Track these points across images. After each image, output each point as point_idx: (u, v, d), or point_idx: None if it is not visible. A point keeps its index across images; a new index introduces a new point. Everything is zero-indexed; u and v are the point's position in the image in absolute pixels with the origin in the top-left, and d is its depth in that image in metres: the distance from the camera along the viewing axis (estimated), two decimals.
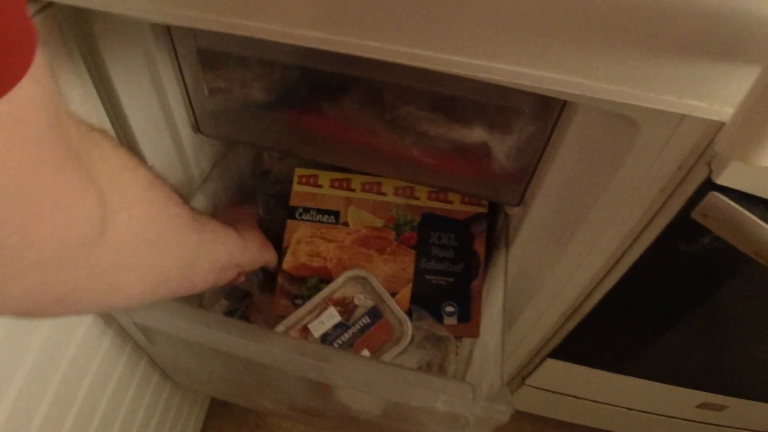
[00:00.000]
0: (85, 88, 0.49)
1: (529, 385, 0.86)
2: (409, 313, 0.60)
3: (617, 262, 0.56)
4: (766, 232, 0.46)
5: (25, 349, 0.46)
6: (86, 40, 0.49)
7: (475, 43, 0.32)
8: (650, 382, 0.80)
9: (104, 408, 0.60)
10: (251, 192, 0.73)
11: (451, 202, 0.63)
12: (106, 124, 0.53)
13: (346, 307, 0.57)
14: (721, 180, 0.44)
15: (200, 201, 0.63)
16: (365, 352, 0.55)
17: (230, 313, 0.68)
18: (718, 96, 0.33)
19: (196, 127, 0.60)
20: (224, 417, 1.07)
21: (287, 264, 0.62)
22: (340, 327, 0.56)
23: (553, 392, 0.87)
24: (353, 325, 0.56)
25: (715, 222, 0.47)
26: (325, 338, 0.55)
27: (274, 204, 0.72)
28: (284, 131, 0.59)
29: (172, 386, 0.78)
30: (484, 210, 0.63)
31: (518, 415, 1.09)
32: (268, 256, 0.57)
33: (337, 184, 0.64)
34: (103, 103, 0.52)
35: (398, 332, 0.56)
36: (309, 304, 0.56)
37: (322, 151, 0.58)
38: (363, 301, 0.57)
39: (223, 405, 1.07)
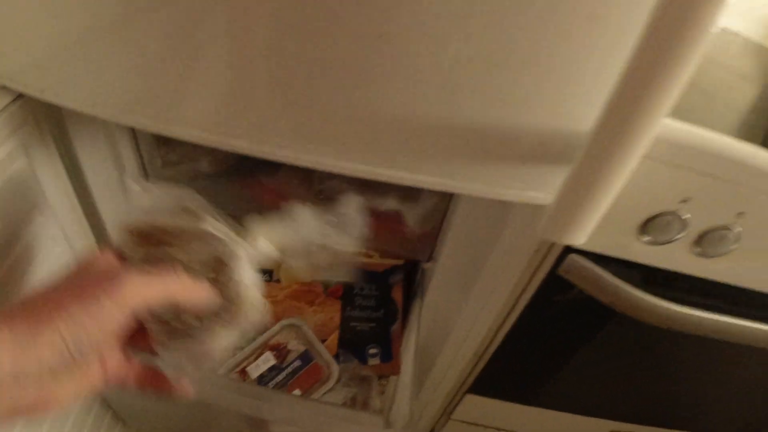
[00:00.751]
0: (54, 163, 0.57)
1: (455, 419, 0.95)
2: (337, 356, 0.68)
3: (511, 309, 0.67)
4: (617, 287, 0.57)
5: None
6: (57, 123, 0.57)
7: (359, 152, 0.42)
8: (561, 413, 0.90)
9: None
10: None
11: (371, 257, 0.74)
12: (69, 190, 0.60)
13: (280, 351, 0.65)
14: (579, 245, 0.56)
15: None
16: (297, 391, 0.63)
17: None
18: (550, 188, 0.44)
19: (145, 175, 0.68)
20: None
21: None
22: (274, 369, 0.64)
23: (477, 425, 0.96)
24: (286, 367, 0.64)
25: (576, 278, 0.58)
26: (262, 379, 0.63)
27: None
28: (228, 197, 0.68)
29: (122, 428, 0.84)
30: (400, 262, 0.73)
31: None
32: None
33: None
34: (68, 174, 0.60)
35: (326, 373, 0.64)
36: (247, 349, 0.64)
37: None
38: (296, 347, 0.65)
39: None
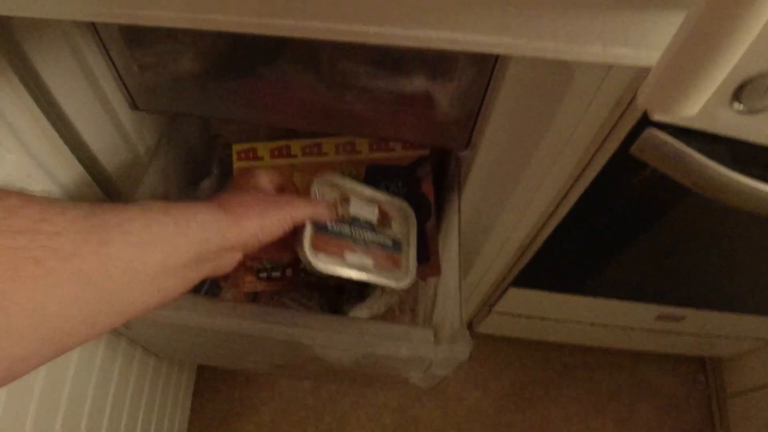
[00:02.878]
0: (13, 87, 0.47)
1: (497, 312, 0.91)
2: None
3: (565, 195, 0.58)
4: (704, 165, 0.47)
5: None
6: (6, 38, 0.46)
7: (397, 11, 0.31)
8: (609, 300, 0.85)
9: (93, 391, 0.61)
10: (202, 160, 0.72)
11: (393, 150, 0.64)
12: (39, 118, 0.51)
13: (383, 219, 0.58)
14: (657, 116, 0.45)
15: (152, 179, 0.61)
16: (369, 260, 0.54)
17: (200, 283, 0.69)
18: (644, 42, 0.33)
19: (133, 104, 0.58)
20: (214, 374, 1.11)
21: None
22: (368, 226, 0.56)
23: (520, 316, 0.92)
24: (377, 234, 0.57)
25: (653, 157, 0.48)
26: (354, 222, 0.55)
27: (230, 170, 0.71)
28: (222, 98, 0.57)
29: (157, 358, 0.80)
30: (426, 152, 0.64)
31: (494, 339, 1.16)
32: (281, 217, 0.43)
33: (277, 153, 0.63)
34: (34, 97, 0.50)
35: (400, 275, 0.56)
36: (361, 188, 0.57)
37: (263, 113, 0.57)
38: (396, 228, 0.58)
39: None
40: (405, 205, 0.60)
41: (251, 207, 0.41)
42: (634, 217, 0.63)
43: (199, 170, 0.73)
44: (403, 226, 0.59)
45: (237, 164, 0.64)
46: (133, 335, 0.64)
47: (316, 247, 0.49)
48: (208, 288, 0.69)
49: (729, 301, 0.87)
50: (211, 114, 0.64)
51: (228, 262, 0.40)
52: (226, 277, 0.71)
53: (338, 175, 0.56)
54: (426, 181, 0.64)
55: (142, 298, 0.31)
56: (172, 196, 0.66)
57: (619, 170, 0.53)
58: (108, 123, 0.58)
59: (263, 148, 0.64)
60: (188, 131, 0.71)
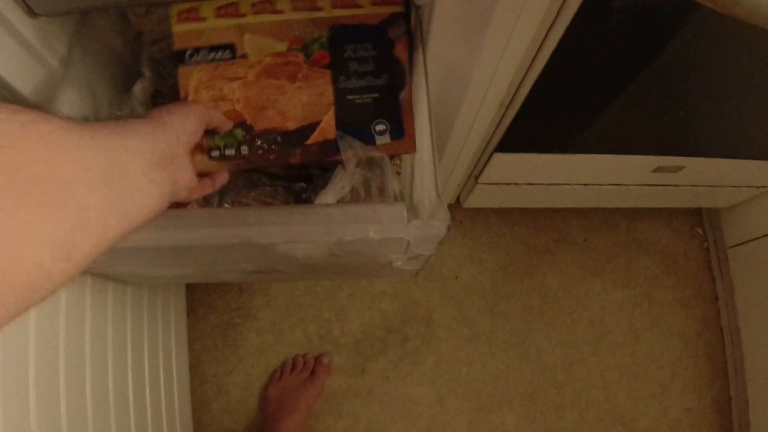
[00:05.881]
0: None
1: (483, 183, 0.85)
2: (335, 141, 0.55)
3: (546, 35, 0.50)
4: None
5: None
6: None
7: None
8: (602, 156, 0.79)
9: (89, 336, 0.60)
10: (130, 63, 0.63)
11: (361, 6, 0.54)
12: None
13: None
14: None
15: (70, 92, 0.52)
16: None
17: None
18: None
19: (30, 11, 0.48)
20: (207, 289, 1.08)
21: None
22: None
23: (507, 184, 0.87)
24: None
25: None
26: None
27: (162, 67, 0.62)
28: None
29: (150, 289, 0.77)
30: (399, 9, 0.54)
31: (484, 212, 1.12)
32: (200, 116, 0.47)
33: (223, 11, 0.53)
34: None
35: None
36: None
37: None
38: None
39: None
40: None
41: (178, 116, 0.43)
42: (625, 53, 0.55)
43: (129, 74, 0.64)
44: None
45: (176, 27, 0.54)
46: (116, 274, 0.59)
47: None
48: None
49: (729, 147, 0.80)
50: (119, 3, 0.53)
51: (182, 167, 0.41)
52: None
53: None
54: (399, 44, 0.55)
55: (136, 184, 0.34)
56: (101, 106, 0.58)
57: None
58: (7, 39, 0.49)
59: (207, 7, 0.53)
60: (105, 32, 0.60)
